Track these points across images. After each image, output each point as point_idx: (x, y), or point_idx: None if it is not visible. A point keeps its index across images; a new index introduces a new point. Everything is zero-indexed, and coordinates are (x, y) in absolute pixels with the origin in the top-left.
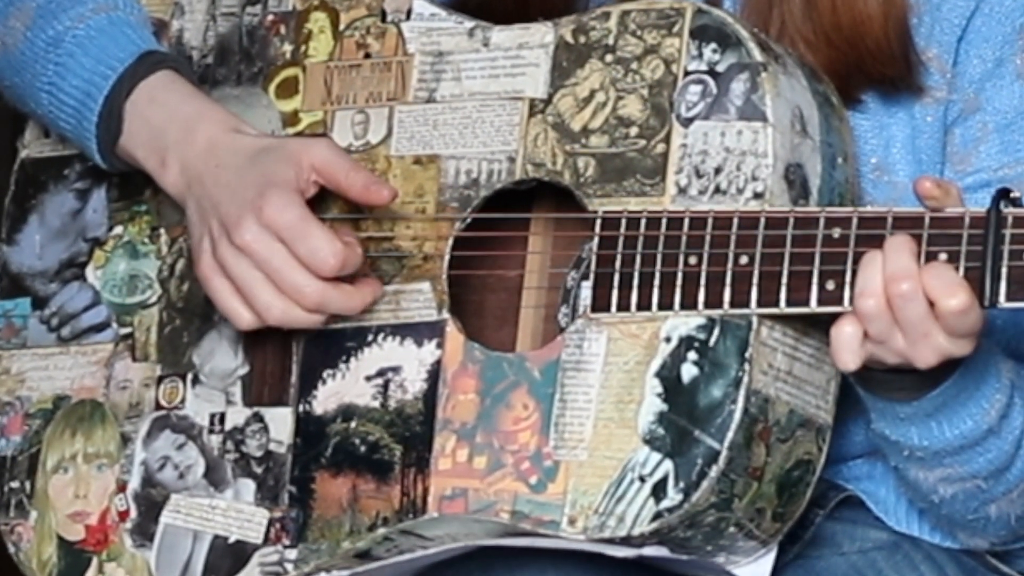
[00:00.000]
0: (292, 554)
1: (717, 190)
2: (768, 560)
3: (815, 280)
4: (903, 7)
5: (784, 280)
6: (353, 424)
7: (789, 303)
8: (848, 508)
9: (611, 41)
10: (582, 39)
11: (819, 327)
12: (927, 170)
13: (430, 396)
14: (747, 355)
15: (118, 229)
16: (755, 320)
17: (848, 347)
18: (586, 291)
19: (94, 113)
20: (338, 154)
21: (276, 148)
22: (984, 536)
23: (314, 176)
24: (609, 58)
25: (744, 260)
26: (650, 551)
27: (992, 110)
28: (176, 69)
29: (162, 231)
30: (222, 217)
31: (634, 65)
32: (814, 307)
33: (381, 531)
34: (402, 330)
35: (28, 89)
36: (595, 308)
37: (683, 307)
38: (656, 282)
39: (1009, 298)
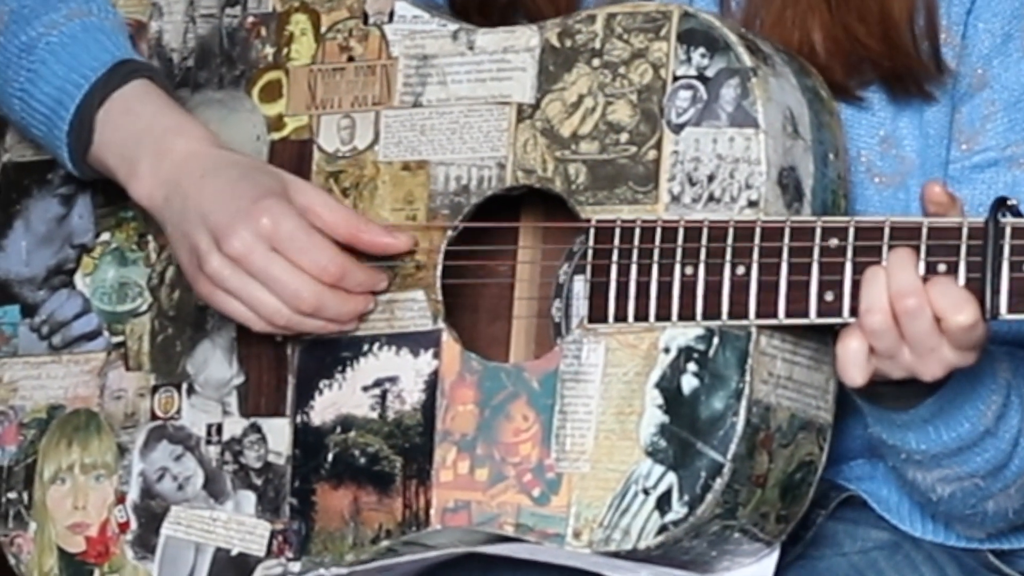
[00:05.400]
0: (296, 567)
1: (711, 198)
2: (771, 559)
3: (814, 291)
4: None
5: (783, 291)
6: (352, 435)
7: (788, 314)
8: (849, 508)
9: (598, 45)
10: (568, 43)
11: (817, 328)
12: (934, 144)
13: (428, 407)
14: (747, 366)
15: (105, 235)
16: (754, 330)
17: (855, 362)
18: (579, 285)
19: (65, 122)
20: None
21: (272, 172)
22: (981, 528)
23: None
24: (596, 62)
25: (741, 270)
26: (646, 573)
27: (1000, 87)
28: (151, 79)
29: (150, 238)
30: (211, 227)
31: (622, 69)
32: (813, 318)
33: (384, 543)
34: (397, 340)
35: (0, 94)
36: (592, 319)
37: (681, 318)
38: (653, 292)
39: (1011, 310)
